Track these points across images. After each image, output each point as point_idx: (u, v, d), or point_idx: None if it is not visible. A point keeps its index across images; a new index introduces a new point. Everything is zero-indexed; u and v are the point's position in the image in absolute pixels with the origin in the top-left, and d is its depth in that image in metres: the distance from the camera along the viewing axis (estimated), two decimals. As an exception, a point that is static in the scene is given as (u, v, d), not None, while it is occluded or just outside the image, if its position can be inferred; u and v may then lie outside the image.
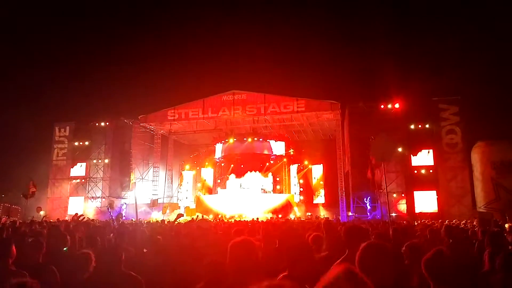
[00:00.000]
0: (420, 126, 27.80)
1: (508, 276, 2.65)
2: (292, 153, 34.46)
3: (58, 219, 21.17)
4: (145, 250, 5.36)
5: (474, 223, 16.11)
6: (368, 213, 26.96)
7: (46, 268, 3.88)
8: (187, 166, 36.27)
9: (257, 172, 32.63)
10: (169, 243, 5.76)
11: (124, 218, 19.74)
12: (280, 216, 27.24)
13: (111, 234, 7.89)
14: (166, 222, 16.67)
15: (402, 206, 27.04)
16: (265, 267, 4.27)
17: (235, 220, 16.49)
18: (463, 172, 26.94)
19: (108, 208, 23.95)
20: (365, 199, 27.44)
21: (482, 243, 6.12)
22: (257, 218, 18.95)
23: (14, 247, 3.78)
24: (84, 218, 15.28)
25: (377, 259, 2.31)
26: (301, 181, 34.15)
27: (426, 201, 26.85)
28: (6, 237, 4.17)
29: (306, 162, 34.54)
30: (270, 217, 24.80)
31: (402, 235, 6.17)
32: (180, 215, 9.14)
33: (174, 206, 32.38)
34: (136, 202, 12.53)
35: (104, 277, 3.27)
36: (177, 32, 53.42)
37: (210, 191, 34.85)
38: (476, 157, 26.50)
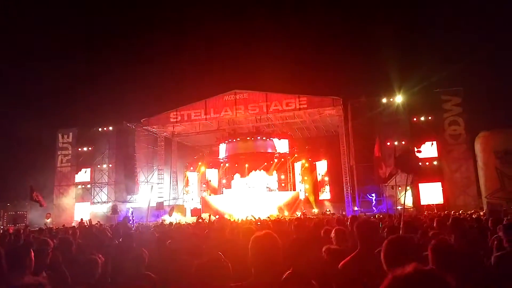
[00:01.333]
0: (422, 118, 27.80)
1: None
2: (296, 150, 34.48)
3: (63, 225, 21.29)
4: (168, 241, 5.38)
5: (481, 213, 16.15)
6: (374, 208, 27.01)
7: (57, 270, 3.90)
8: (192, 168, 36.34)
9: (262, 170, 32.69)
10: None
11: (132, 221, 19.81)
12: (287, 213, 27.34)
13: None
14: (173, 225, 16.75)
15: (408, 199, 27.06)
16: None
17: (242, 220, 16.53)
18: (467, 163, 26.93)
19: (115, 211, 23.98)
20: (368, 194, 27.50)
21: (492, 233, 6.17)
22: (268, 217, 18.97)
23: (32, 255, 3.67)
24: (87, 223, 15.31)
25: (404, 252, 2.33)
26: (306, 178, 34.17)
27: (431, 193, 26.85)
28: (24, 245, 4.11)
29: (310, 159, 34.57)
30: (277, 215, 24.86)
31: (411, 228, 6.23)
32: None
33: (180, 208, 32.46)
34: (149, 205, 12.57)
35: (126, 279, 3.32)
36: (177, 34, 53.50)
37: (215, 191, 34.92)
38: (479, 147, 26.47)
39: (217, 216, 19.19)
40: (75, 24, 46.36)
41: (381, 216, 16.00)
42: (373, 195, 27.62)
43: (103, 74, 45.95)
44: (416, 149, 21.08)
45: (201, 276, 2.97)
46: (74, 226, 18.17)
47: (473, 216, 14.36)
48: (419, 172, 19.32)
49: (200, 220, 14.82)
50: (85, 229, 13.59)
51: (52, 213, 31.68)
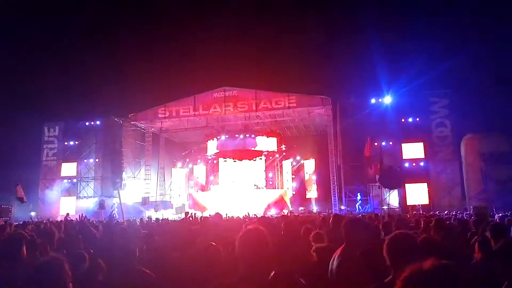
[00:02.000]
0: (410, 119, 28.06)
1: (507, 263, 2.72)
2: (284, 148, 34.59)
3: (48, 219, 21.04)
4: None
5: (465, 214, 16.41)
6: (360, 207, 27.23)
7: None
8: (179, 164, 36.19)
9: (248, 160, 32.73)
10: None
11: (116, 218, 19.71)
12: (274, 211, 27.39)
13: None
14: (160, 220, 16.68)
15: (394, 199, 27.31)
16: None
17: (228, 217, 16.52)
18: (453, 164, 27.28)
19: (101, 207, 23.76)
20: (359, 193, 27.69)
21: (474, 234, 6.27)
22: (254, 215, 19.00)
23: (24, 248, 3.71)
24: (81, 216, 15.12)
25: (406, 248, 2.33)
26: (294, 176, 34.31)
27: (417, 194, 27.12)
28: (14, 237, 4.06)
29: (298, 157, 34.70)
30: (264, 213, 24.92)
31: (396, 227, 6.33)
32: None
33: (166, 204, 32.34)
34: (120, 202, 12.45)
35: (118, 275, 3.28)
36: (165, 30, 53.10)
37: (203, 188, 34.86)
38: (465, 149, 26.91)
39: (203, 213, 19.17)
40: (63, 16, 45.63)
41: (367, 216, 16.11)
42: (359, 194, 27.79)
43: (91, 67, 45.35)
44: (398, 167, 21.58)
45: (196, 262, 2.93)
46: (61, 220, 17.97)
47: (457, 217, 14.59)
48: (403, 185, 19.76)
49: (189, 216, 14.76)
50: (72, 223, 13.46)
51: (37, 207, 31.31)
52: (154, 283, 3.45)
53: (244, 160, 32.87)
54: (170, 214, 27.72)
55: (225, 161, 34.10)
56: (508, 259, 2.69)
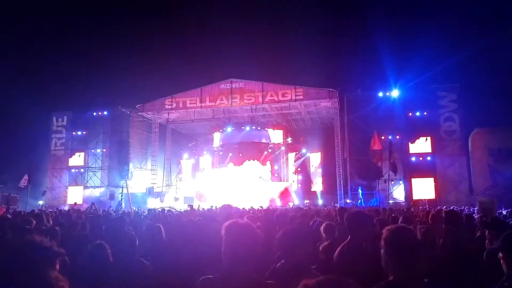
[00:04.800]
0: (418, 113, 27.85)
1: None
2: (290, 141, 34.51)
3: (57, 208, 21.27)
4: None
5: (472, 209, 16.29)
6: (362, 200, 27.10)
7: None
8: (186, 155, 36.26)
9: (256, 160, 32.68)
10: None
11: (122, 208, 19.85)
12: (279, 203, 27.42)
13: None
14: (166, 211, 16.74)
15: (400, 193, 27.24)
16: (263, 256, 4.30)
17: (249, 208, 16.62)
18: (461, 159, 27.10)
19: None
20: (359, 187, 27.56)
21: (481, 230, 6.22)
22: (261, 207, 19.02)
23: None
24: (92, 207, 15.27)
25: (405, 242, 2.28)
26: (299, 169, 34.25)
27: (423, 188, 27.01)
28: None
29: (304, 150, 34.62)
30: (269, 205, 24.92)
31: (404, 221, 6.29)
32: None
33: (172, 195, 32.46)
34: (128, 193, 12.51)
35: (119, 265, 3.30)
36: (174, 21, 52.99)
37: (208, 179, 34.87)
38: (473, 144, 26.66)
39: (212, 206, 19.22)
40: (72, 8, 45.74)
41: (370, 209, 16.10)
42: (360, 189, 27.54)
43: (99, 58, 45.45)
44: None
45: None
46: (79, 209, 18.13)
47: (463, 211, 14.49)
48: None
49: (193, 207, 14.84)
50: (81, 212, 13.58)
51: (45, 196, 31.57)
52: (151, 272, 3.47)
53: (250, 160, 32.63)
54: (176, 205, 27.84)
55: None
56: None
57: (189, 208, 16.67)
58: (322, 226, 4.98)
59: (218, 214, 8.15)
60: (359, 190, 27.43)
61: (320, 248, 4.36)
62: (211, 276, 2.35)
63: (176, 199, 30.11)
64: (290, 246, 3.09)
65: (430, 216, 6.82)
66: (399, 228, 2.45)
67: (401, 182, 27.24)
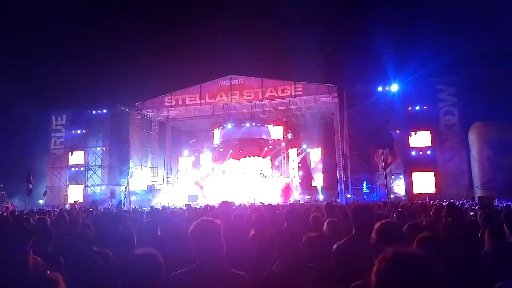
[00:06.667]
0: (417, 107, 27.83)
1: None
2: (290, 137, 34.52)
3: (58, 207, 21.31)
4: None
5: (471, 202, 16.31)
6: (365, 195, 27.16)
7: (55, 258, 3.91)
8: (186, 152, 36.28)
9: (256, 156, 32.71)
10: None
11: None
12: (280, 199, 27.44)
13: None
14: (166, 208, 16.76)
15: (401, 188, 27.27)
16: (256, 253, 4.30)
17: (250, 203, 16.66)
18: (461, 153, 27.12)
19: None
20: (364, 181, 27.59)
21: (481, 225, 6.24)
22: (261, 202, 19.05)
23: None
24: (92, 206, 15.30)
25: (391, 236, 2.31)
26: (300, 164, 34.28)
27: (424, 182, 27.06)
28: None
29: (304, 146, 34.63)
30: (270, 201, 24.92)
31: (405, 215, 6.31)
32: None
33: (173, 192, 32.49)
34: (128, 191, 12.55)
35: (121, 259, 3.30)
36: (172, 18, 52.82)
37: (209, 177, 34.91)
38: (473, 137, 26.67)
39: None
40: (71, 7, 45.54)
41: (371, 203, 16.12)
42: (364, 183, 27.61)
43: (98, 56, 45.40)
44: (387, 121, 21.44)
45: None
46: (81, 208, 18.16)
47: (464, 205, 14.50)
48: (392, 146, 19.60)
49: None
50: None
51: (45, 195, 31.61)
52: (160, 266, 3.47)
53: (251, 157, 32.67)
54: (178, 202, 27.89)
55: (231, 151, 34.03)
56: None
57: (185, 207, 16.67)
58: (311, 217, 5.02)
59: (217, 212, 8.11)
60: (364, 184, 27.45)
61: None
62: (181, 271, 2.53)
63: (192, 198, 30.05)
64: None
65: (433, 210, 6.84)
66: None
67: (401, 176, 27.28)
